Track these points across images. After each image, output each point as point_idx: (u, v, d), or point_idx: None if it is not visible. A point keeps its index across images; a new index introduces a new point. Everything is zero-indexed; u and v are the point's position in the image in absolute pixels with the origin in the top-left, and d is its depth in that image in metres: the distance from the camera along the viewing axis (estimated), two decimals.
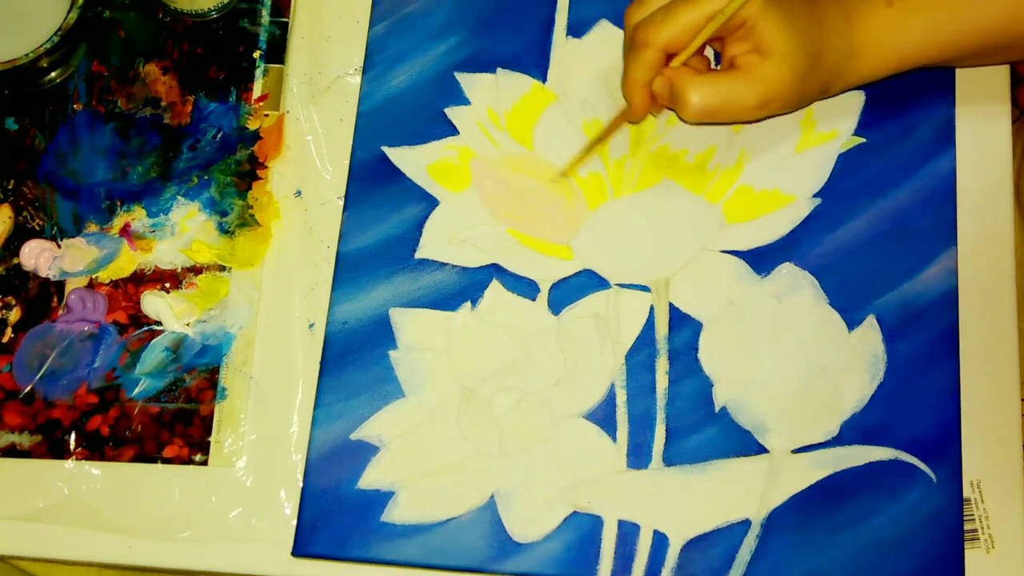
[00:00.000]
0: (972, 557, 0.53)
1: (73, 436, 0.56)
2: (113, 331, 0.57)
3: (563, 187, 0.58)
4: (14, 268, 0.58)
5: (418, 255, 0.57)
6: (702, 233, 0.57)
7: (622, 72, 0.55)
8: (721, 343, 0.55)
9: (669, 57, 0.54)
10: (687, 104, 0.52)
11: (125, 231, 0.59)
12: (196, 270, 0.58)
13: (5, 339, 0.57)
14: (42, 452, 0.56)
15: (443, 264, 0.57)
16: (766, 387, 0.55)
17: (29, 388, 0.56)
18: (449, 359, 0.56)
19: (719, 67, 0.55)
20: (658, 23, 0.52)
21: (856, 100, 0.59)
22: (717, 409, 0.54)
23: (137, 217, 0.59)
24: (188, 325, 0.57)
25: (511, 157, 0.59)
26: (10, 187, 0.60)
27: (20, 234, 0.59)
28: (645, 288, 0.56)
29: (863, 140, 0.58)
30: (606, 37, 0.60)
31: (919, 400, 0.54)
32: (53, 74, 0.61)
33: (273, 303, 0.58)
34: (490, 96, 0.60)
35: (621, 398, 0.55)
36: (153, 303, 0.57)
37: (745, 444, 0.54)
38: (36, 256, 0.58)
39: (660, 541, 0.53)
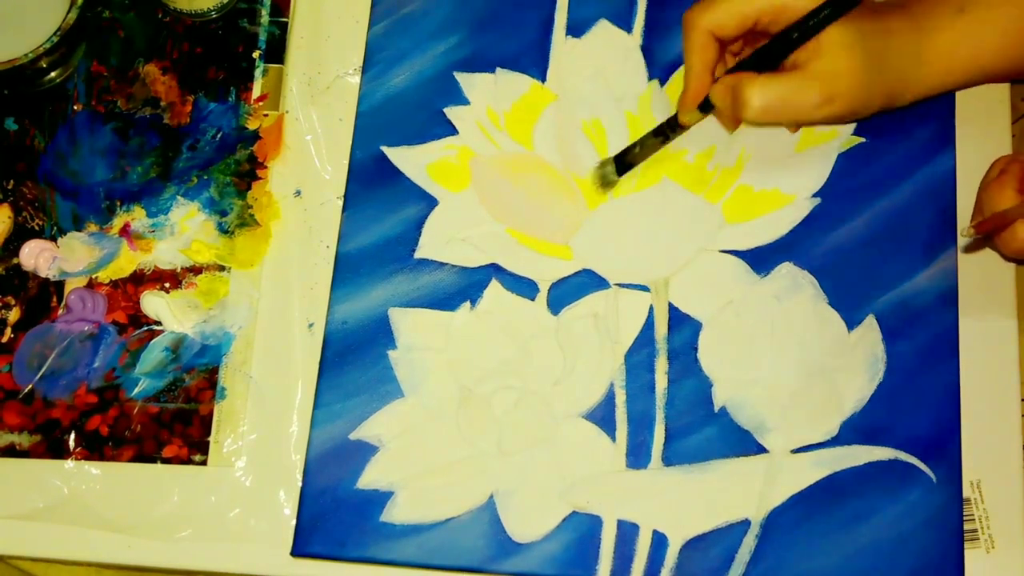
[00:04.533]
0: (972, 557, 0.53)
1: (72, 436, 0.56)
2: (113, 331, 0.57)
3: (566, 188, 0.58)
4: (14, 268, 0.59)
5: (417, 255, 0.57)
6: (701, 233, 0.57)
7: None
8: (720, 343, 0.55)
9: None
10: (748, 104, 0.52)
11: (125, 231, 0.59)
12: (196, 270, 0.58)
13: (5, 339, 0.57)
14: (41, 452, 0.56)
15: (442, 264, 0.57)
16: (766, 387, 0.54)
17: (29, 388, 0.56)
18: (448, 359, 0.56)
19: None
20: (705, 5, 0.53)
21: None
22: (716, 409, 0.54)
23: (137, 217, 0.59)
24: (187, 325, 0.57)
25: (510, 157, 0.58)
26: (10, 187, 0.60)
27: (20, 234, 0.59)
28: (644, 288, 0.56)
29: (863, 140, 0.58)
30: (605, 37, 0.60)
31: (919, 400, 0.54)
32: (53, 74, 0.61)
33: (273, 303, 0.58)
34: (489, 96, 0.60)
35: (620, 398, 0.55)
36: (153, 303, 0.57)
37: (744, 444, 0.54)
38: (36, 256, 0.58)
39: (659, 541, 0.53)
